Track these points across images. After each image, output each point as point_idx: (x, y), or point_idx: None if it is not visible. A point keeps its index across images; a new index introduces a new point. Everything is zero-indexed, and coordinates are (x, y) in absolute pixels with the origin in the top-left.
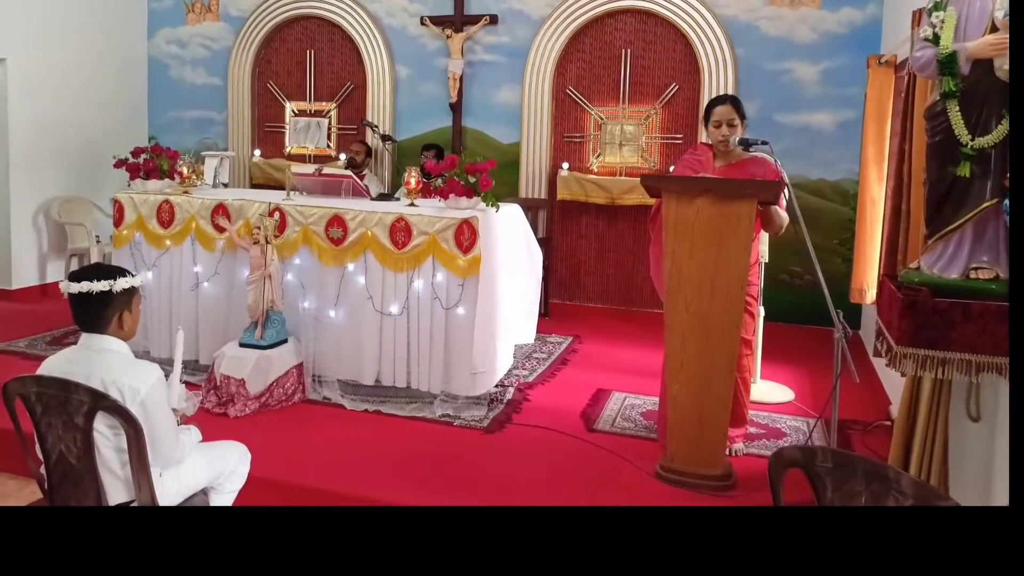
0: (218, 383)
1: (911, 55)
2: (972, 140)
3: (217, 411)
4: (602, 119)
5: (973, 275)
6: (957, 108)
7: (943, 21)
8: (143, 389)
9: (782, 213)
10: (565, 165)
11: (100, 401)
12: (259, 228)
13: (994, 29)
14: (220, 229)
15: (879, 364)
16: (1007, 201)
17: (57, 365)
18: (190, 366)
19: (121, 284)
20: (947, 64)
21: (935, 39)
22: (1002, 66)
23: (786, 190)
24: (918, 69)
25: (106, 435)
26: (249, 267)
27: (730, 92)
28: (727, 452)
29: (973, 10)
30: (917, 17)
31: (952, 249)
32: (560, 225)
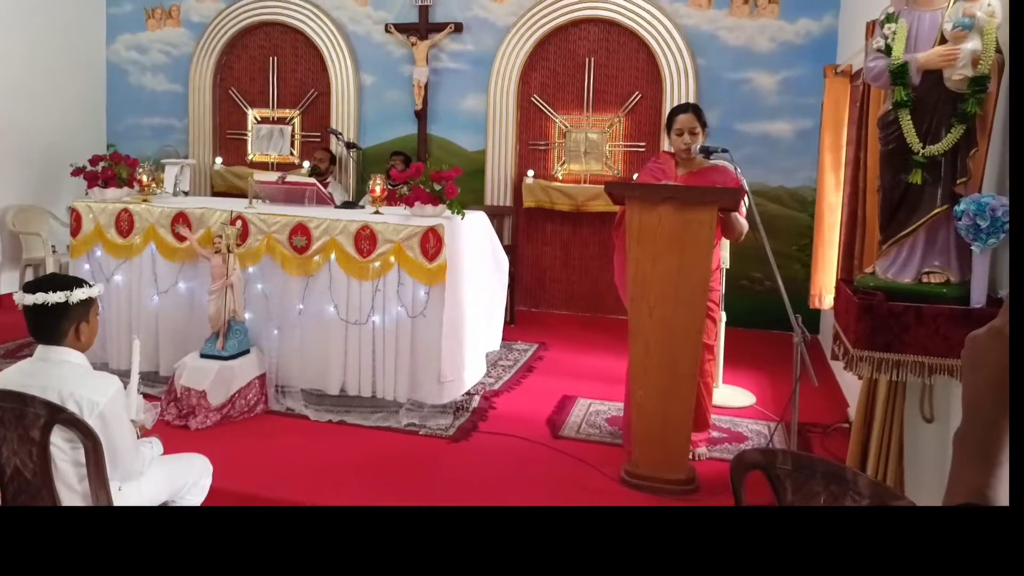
0: (178, 395)
1: (865, 65)
2: (923, 148)
3: (178, 423)
4: (566, 127)
5: (925, 279)
6: (909, 117)
7: (895, 33)
8: (101, 401)
9: (742, 220)
10: (530, 173)
11: (57, 414)
12: (221, 237)
13: (943, 41)
14: (181, 238)
15: (837, 367)
16: (958, 207)
17: (12, 378)
18: (150, 378)
19: (78, 295)
20: (899, 74)
21: (887, 50)
22: (951, 76)
23: (746, 197)
24: (871, 79)
25: (63, 449)
26: (211, 277)
27: (692, 101)
28: (690, 456)
29: (923, 23)
30: (870, 28)
31: (905, 254)
32: (525, 232)
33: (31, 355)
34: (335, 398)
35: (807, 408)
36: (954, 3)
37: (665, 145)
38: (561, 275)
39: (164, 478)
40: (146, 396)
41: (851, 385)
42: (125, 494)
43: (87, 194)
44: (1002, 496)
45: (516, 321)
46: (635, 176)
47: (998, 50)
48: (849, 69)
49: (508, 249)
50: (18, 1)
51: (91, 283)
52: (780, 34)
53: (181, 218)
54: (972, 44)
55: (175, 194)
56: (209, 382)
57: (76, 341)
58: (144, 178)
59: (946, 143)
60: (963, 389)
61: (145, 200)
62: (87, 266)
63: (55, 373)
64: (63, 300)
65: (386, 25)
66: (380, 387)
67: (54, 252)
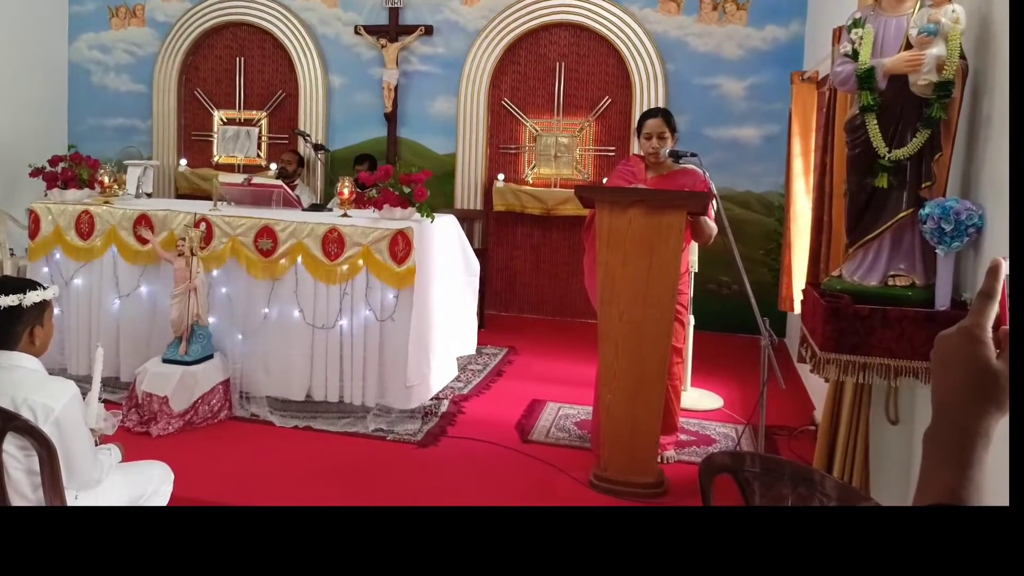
0: (140, 401)
1: (832, 70)
2: (889, 152)
3: (139, 430)
4: (537, 131)
5: (891, 282)
6: (875, 121)
7: (861, 38)
8: (57, 407)
9: (711, 223)
10: (501, 176)
11: (10, 421)
12: (184, 239)
13: (909, 46)
14: (143, 240)
15: (804, 370)
16: (923, 211)
17: None
18: (110, 383)
19: (31, 298)
20: (865, 79)
21: (854, 55)
22: (916, 81)
23: (715, 201)
24: (839, 83)
25: (16, 457)
26: (174, 280)
27: (661, 106)
28: (659, 460)
29: (889, 28)
30: (837, 34)
31: (871, 257)
32: (496, 236)
33: None
34: (301, 404)
35: (774, 411)
36: (919, 9)
37: (635, 149)
38: (531, 279)
39: (123, 486)
40: (106, 403)
41: (817, 388)
42: (81, 503)
43: (46, 195)
44: (974, 496)
45: (486, 325)
46: (605, 180)
47: (962, 56)
48: (816, 75)
49: (478, 253)
50: None
51: (45, 285)
52: (748, 40)
53: (144, 220)
54: (937, 49)
55: (138, 196)
56: (171, 388)
57: (30, 345)
58: (106, 179)
59: (911, 147)
60: (932, 388)
61: (106, 202)
62: (46, 269)
63: (8, 379)
64: (16, 303)
65: (355, 27)
66: (347, 392)
67: (12, 255)
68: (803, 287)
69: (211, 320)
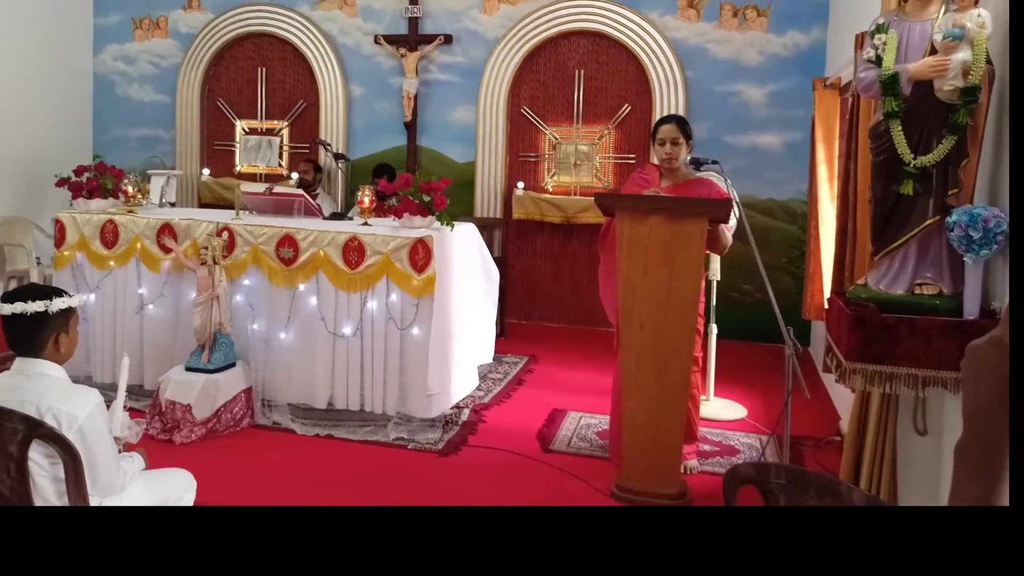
0: (163, 409)
1: (855, 76)
2: (915, 159)
3: (162, 438)
4: (556, 139)
5: (918, 291)
6: (900, 128)
7: (885, 43)
8: (81, 416)
9: (728, 233)
10: (520, 184)
11: (35, 429)
12: (206, 248)
13: (933, 52)
14: (166, 249)
15: (829, 380)
16: (950, 218)
17: None
18: (134, 391)
19: (57, 304)
20: (889, 84)
21: (878, 60)
22: (942, 87)
23: (736, 209)
24: (862, 89)
25: (42, 464)
26: (196, 289)
27: (681, 113)
28: (681, 470)
29: (913, 33)
30: (860, 40)
31: (897, 266)
32: (515, 244)
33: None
34: (322, 412)
35: (799, 421)
36: (944, 14)
37: (654, 157)
38: (551, 287)
39: (146, 494)
40: (130, 410)
41: (843, 398)
42: None
43: (71, 205)
44: None
45: (507, 333)
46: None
47: (988, 61)
48: (838, 81)
49: (498, 261)
50: (4, 11)
51: (71, 293)
52: (768, 47)
53: (167, 229)
54: (962, 55)
55: (161, 205)
56: (194, 396)
57: (56, 352)
58: (130, 189)
59: (938, 154)
60: (963, 400)
61: (130, 211)
62: (71, 278)
63: (33, 387)
64: (42, 310)
65: (375, 36)
66: (368, 400)
67: (38, 264)
68: (828, 296)
69: (233, 328)
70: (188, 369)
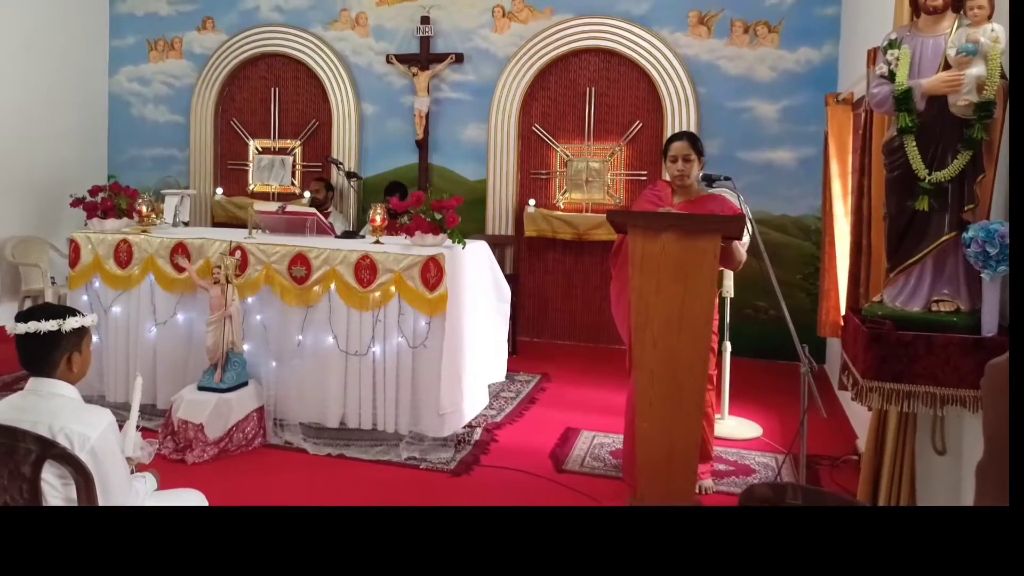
0: (175, 428)
1: (868, 91)
2: (929, 174)
3: (174, 457)
4: (568, 156)
5: (935, 308)
6: (914, 143)
7: (898, 58)
8: (93, 436)
9: (741, 249)
10: (532, 202)
11: (49, 449)
12: (219, 267)
13: (947, 67)
14: (180, 269)
15: (845, 398)
16: (966, 234)
17: (2, 412)
18: (147, 410)
19: (71, 324)
20: (903, 100)
21: (891, 76)
22: (956, 102)
23: (750, 225)
24: (875, 104)
25: (54, 485)
26: (209, 308)
27: (692, 129)
28: (696, 490)
29: (927, 48)
30: (872, 55)
31: (913, 282)
32: (527, 262)
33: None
34: (334, 431)
35: (815, 440)
36: (957, 29)
37: (666, 174)
38: (563, 305)
39: None
40: (143, 430)
41: (860, 416)
42: None
43: (86, 225)
44: None
45: (518, 351)
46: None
47: (1003, 75)
48: (851, 97)
49: (510, 279)
50: (21, 33)
51: (84, 313)
52: (780, 63)
53: (180, 249)
54: (976, 69)
55: (175, 224)
56: (207, 415)
57: (68, 372)
58: (144, 209)
59: (953, 169)
60: (984, 419)
61: (144, 231)
62: (85, 297)
63: (46, 407)
64: (55, 328)
65: (387, 56)
66: (380, 420)
67: (53, 283)
68: (844, 313)
69: (246, 347)
70: (200, 388)
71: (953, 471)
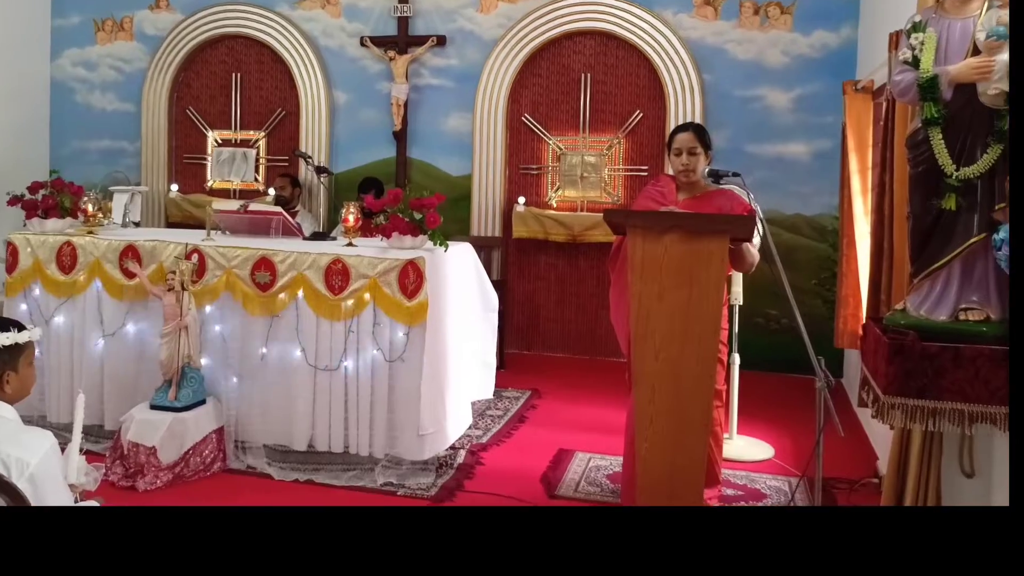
0: (125, 452)
1: (890, 79)
2: (957, 170)
3: (124, 484)
4: (561, 149)
5: (963, 316)
6: (940, 136)
7: (923, 43)
8: (32, 461)
9: (753, 251)
10: (521, 199)
11: None
12: (174, 273)
13: (976, 52)
14: (130, 274)
15: (865, 415)
16: (997, 235)
17: None
18: (93, 432)
19: (3, 340)
20: (928, 88)
21: (915, 62)
22: (986, 91)
23: (760, 226)
24: (898, 94)
25: None
26: (163, 317)
27: (698, 120)
28: None
29: (954, 32)
30: (894, 39)
31: (940, 288)
32: (516, 266)
33: None
34: (302, 454)
35: (832, 461)
36: (987, 10)
37: (669, 169)
38: (556, 313)
39: None
40: (88, 454)
41: (881, 435)
42: None
43: (25, 225)
44: None
45: (506, 365)
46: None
47: None
48: (871, 85)
49: (497, 285)
50: None
51: (25, 326)
52: (794, 47)
53: (130, 252)
54: (1008, 55)
55: (124, 225)
56: (160, 437)
57: (2, 392)
58: (90, 207)
59: (982, 164)
60: None
61: (90, 232)
62: (24, 306)
63: None
64: None
65: (361, 38)
66: (353, 441)
67: None
68: (864, 322)
69: (204, 362)
70: (153, 407)
71: (982, 495)
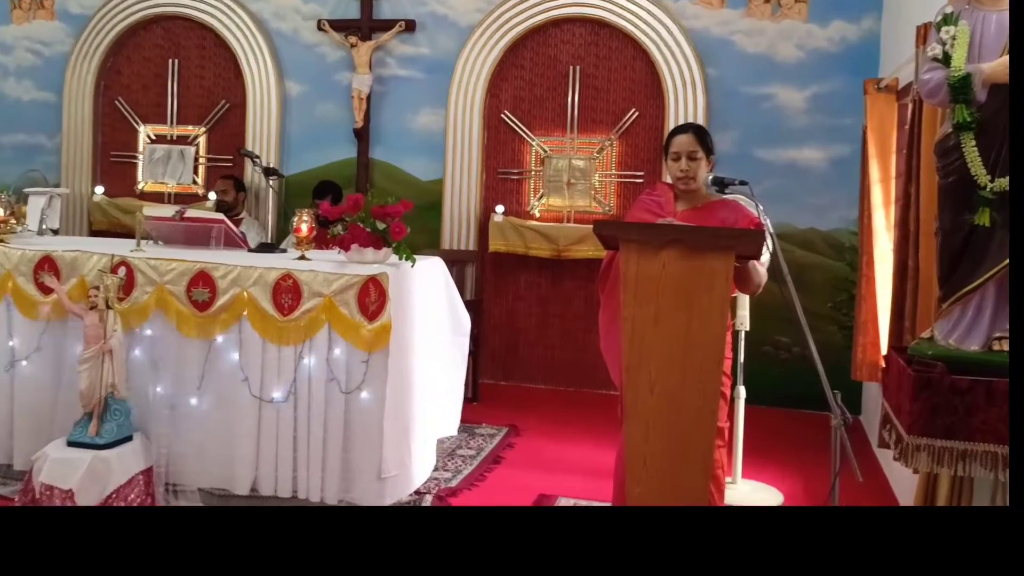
0: (37, 495)
1: (917, 78)
2: (992, 181)
3: None
4: (545, 152)
5: (997, 346)
6: (973, 142)
7: (954, 37)
8: None
9: (761, 270)
10: (499, 208)
11: None
12: (98, 288)
13: None
14: (46, 290)
15: (886, 457)
16: None
17: None
18: (0, 472)
19: None
20: (960, 89)
21: (945, 59)
22: None
23: (769, 241)
24: (926, 95)
25: None
26: (84, 340)
27: (700, 120)
28: None
29: (989, 25)
30: (923, 33)
31: (971, 315)
32: (493, 284)
33: None
34: (244, 499)
35: None
36: None
37: (667, 175)
38: (538, 339)
39: None
40: None
41: (904, 480)
42: None
43: None
44: None
45: (480, 398)
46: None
47: None
48: (895, 83)
49: (471, 305)
50: None
51: None
52: (809, 40)
53: (47, 263)
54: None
55: (41, 233)
56: (78, 478)
57: None
58: (1, 212)
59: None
60: None
61: (1, 240)
62: None
63: None
64: None
65: (319, 22)
66: (303, 485)
67: None
68: (885, 352)
69: (130, 391)
70: (71, 444)
71: None
